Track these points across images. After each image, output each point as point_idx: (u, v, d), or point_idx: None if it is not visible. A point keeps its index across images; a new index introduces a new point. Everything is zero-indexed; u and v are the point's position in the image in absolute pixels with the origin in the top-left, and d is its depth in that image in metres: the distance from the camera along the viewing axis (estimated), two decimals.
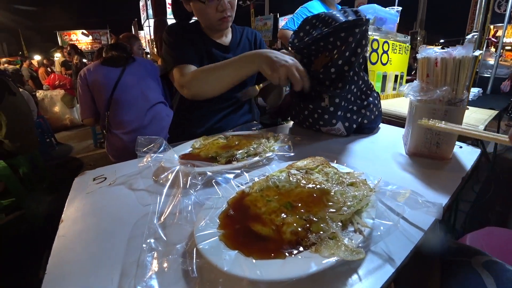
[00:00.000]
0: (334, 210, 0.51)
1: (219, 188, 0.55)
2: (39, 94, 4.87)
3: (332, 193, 0.56)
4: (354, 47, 0.89)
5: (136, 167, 0.75)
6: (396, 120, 1.51)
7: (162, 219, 0.49)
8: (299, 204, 0.52)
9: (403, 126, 0.97)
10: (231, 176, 0.62)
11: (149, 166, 0.72)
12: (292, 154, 0.81)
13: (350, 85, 0.94)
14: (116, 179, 0.77)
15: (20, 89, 2.73)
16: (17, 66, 5.75)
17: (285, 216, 0.49)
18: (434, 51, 0.76)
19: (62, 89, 5.08)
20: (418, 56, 0.81)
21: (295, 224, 0.47)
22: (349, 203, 0.52)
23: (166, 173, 0.59)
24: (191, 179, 0.56)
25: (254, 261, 0.39)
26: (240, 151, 0.77)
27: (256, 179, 0.63)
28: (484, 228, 0.99)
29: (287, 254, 0.41)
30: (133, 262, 0.44)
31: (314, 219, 0.49)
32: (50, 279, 0.44)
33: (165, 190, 0.53)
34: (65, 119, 5.14)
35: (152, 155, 0.74)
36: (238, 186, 0.59)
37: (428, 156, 0.81)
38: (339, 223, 0.48)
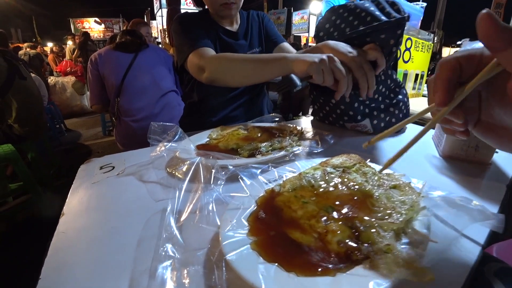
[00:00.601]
0: (383, 217, 0.42)
1: (246, 185, 0.47)
2: (51, 80, 4.86)
3: (376, 197, 0.47)
4: (391, 47, 0.80)
5: (148, 156, 0.67)
6: (417, 121, 1.40)
7: (181, 220, 0.40)
8: (343, 209, 0.44)
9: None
10: (257, 171, 0.53)
11: (163, 156, 0.64)
12: (321, 149, 0.72)
13: (378, 85, 0.86)
14: (125, 169, 0.69)
15: (32, 75, 2.69)
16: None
17: (327, 222, 0.40)
18: (479, 46, 0.66)
19: (73, 76, 5.06)
20: (461, 50, 0.71)
21: (340, 233, 0.39)
22: (399, 209, 0.44)
23: (184, 165, 0.51)
24: (214, 173, 0.48)
25: (296, 278, 0.31)
26: (264, 144, 0.68)
27: (285, 176, 0.54)
28: None
29: (335, 270, 0.33)
30: (145, 271, 0.36)
31: (361, 227, 0.40)
32: (45, 286, 0.36)
33: (184, 185, 0.45)
34: (75, 106, 5.13)
35: (166, 144, 0.66)
36: (266, 184, 0.51)
37: (465, 160, 0.71)
38: (390, 232, 0.40)
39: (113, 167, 0.72)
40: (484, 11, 0.26)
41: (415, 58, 1.84)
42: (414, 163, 0.68)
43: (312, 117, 1.13)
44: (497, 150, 0.78)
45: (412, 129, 0.98)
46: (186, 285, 0.31)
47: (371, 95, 0.74)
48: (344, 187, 0.51)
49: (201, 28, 1.02)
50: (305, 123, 1.08)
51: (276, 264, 0.33)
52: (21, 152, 2.23)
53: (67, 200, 0.59)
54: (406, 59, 1.78)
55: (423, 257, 0.35)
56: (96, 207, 0.55)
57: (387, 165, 0.41)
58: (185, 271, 0.33)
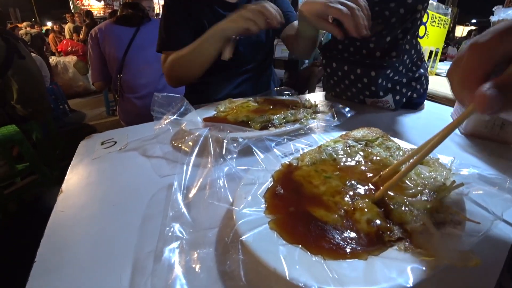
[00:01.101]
0: (415, 194, 0.38)
1: (260, 159, 0.42)
2: (52, 60, 4.76)
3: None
4: (417, 13, 0.73)
5: (152, 130, 0.62)
6: (431, 99, 1.33)
7: (190, 196, 0.36)
8: (368, 185, 0.39)
9: None
10: (271, 144, 0.48)
11: (168, 129, 0.59)
12: (337, 123, 0.66)
13: (403, 55, 0.78)
14: (128, 143, 0.65)
15: (33, 54, 2.63)
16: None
17: (353, 199, 0.36)
18: None
19: (74, 55, 4.96)
20: (493, 18, 0.63)
21: (369, 211, 0.34)
22: (430, 186, 0.39)
23: (191, 138, 0.46)
24: (225, 145, 0.43)
25: (324, 262, 0.27)
26: (276, 116, 0.63)
27: (302, 149, 0.49)
28: None
29: (367, 253, 0.29)
30: (150, 253, 0.32)
31: (391, 205, 0.36)
32: (40, 269, 0.32)
33: (192, 158, 0.40)
34: (77, 86, 5.05)
35: (170, 116, 0.61)
36: (282, 157, 0.45)
37: (488, 138, 0.65)
38: (424, 211, 0.35)
39: (115, 142, 0.67)
40: None
41: (430, 33, 1.71)
42: None
43: (323, 93, 1.06)
44: None
45: (431, 106, 0.91)
46: (197, 270, 0.27)
47: (364, 34, 0.66)
48: (368, 162, 0.46)
49: (182, 20, 0.96)
50: (317, 98, 1.02)
51: (300, 246, 0.28)
52: (26, 133, 2.20)
53: (66, 177, 0.55)
54: (421, 35, 1.66)
55: (462, 239, 0.31)
56: (96, 184, 0.51)
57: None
58: (195, 254, 0.29)
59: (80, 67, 4.94)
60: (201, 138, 0.44)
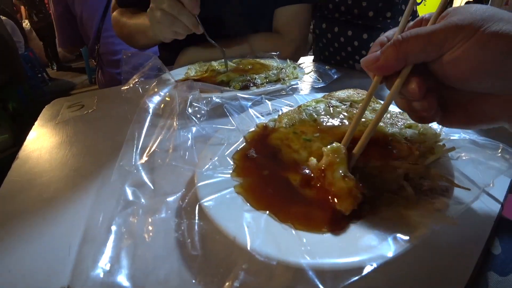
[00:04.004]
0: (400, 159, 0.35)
1: (233, 118, 0.38)
2: (26, 25, 4.42)
3: (390, 136, 0.39)
4: None
5: (121, 92, 0.56)
6: None
7: (144, 157, 0.32)
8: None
9: None
10: (248, 103, 0.44)
11: (137, 91, 0.54)
12: (323, 84, 0.62)
13: (399, 16, 0.72)
14: (96, 106, 0.59)
15: (3, 18, 2.42)
16: None
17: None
18: None
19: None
20: None
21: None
22: (418, 150, 0.35)
23: (156, 96, 0.41)
24: (191, 101, 0.38)
25: (294, 231, 0.23)
26: (258, 75, 0.57)
27: (282, 110, 0.45)
28: None
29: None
30: (103, 220, 0.28)
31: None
32: None
33: (149, 116, 0.35)
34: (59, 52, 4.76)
35: (141, 77, 0.55)
36: (258, 118, 0.41)
37: None
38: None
39: (83, 106, 0.62)
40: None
41: (428, 0, 1.63)
42: None
43: (312, 57, 1.00)
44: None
45: None
46: (147, 239, 0.23)
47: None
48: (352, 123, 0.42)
49: None
50: (304, 60, 0.95)
51: (268, 212, 0.25)
52: (2, 102, 2.08)
53: (24, 142, 0.50)
54: (418, 1, 1.57)
55: (448, 206, 0.28)
56: (57, 149, 0.46)
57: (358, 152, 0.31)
58: (149, 220, 0.25)
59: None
60: (163, 95, 0.39)
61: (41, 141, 0.50)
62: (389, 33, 0.30)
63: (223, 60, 0.68)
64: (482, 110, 0.25)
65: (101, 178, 0.36)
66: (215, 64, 0.68)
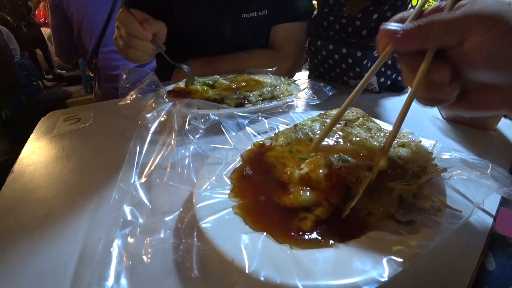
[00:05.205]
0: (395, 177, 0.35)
1: (230, 136, 0.38)
2: None
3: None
4: None
5: (118, 107, 0.57)
6: None
7: (144, 176, 0.32)
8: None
9: None
10: (244, 121, 0.44)
11: (134, 106, 0.54)
12: (318, 101, 0.63)
13: None
14: (93, 120, 0.60)
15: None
16: None
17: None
18: None
19: (48, 28, 4.63)
20: None
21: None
22: (411, 170, 0.36)
23: (154, 112, 0.42)
24: (190, 120, 0.39)
25: (290, 251, 0.24)
26: (252, 93, 0.58)
27: (278, 128, 0.46)
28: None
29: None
30: (99, 239, 0.28)
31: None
32: None
33: (149, 135, 0.36)
34: (54, 61, 4.74)
35: (139, 92, 0.56)
36: (255, 136, 0.42)
37: (468, 124, 0.64)
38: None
39: (79, 119, 0.62)
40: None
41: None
42: (417, 124, 0.60)
43: (306, 73, 1.02)
44: (504, 116, 0.70)
45: None
46: (145, 261, 0.24)
47: None
48: (347, 142, 0.43)
49: None
50: (300, 77, 0.97)
51: (265, 233, 0.25)
52: None
53: (19, 156, 0.50)
54: (414, 3, 1.61)
55: (440, 226, 0.29)
56: (53, 163, 0.46)
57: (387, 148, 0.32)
58: (148, 241, 0.25)
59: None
60: (162, 113, 0.39)
61: (37, 155, 0.49)
62: (404, 14, 0.30)
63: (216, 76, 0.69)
64: (484, 99, 0.26)
65: (98, 195, 0.36)
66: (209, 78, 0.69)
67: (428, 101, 0.29)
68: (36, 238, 0.31)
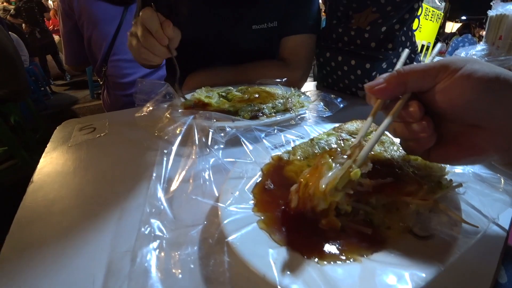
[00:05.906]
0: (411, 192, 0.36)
1: (249, 150, 0.39)
2: None
3: (398, 169, 0.40)
4: (413, 2, 0.71)
5: (133, 117, 0.58)
6: None
7: (171, 190, 0.33)
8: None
9: None
10: (261, 134, 0.45)
11: (150, 117, 0.56)
12: (329, 114, 0.64)
13: (400, 47, 0.77)
14: (108, 130, 0.61)
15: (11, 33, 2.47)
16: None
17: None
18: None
19: (57, 35, 4.71)
20: (491, 12, 0.62)
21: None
22: (426, 184, 0.37)
23: (175, 125, 0.43)
24: (211, 133, 0.40)
25: (318, 266, 0.24)
26: (265, 105, 0.59)
27: (293, 141, 0.47)
28: None
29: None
30: (126, 252, 0.29)
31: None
32: (3, 269, 0.29)
33: (174, 147, 0.37)
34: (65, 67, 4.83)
35: (155, 103, 0.57)
36: (272, 149, 0.43)
37: None
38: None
39: (94, 128, 0.63)
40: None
41: (423, 27, 1.71)
42: None
43: (314, 83, 1.03)
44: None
45: None
46: (177, 275, 0.24)
47: None
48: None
49: None
50: (308, 88, 0.98)
51: (291, 247, 0.26)
52: (4, 115, 2.09)
53: (38, 165, 0.51)
54: (414, 28, 1.65)
55: (457, 240, 0.29)
56: (71, 173, 0.47)
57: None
58: (176, 256, 0.26)
59: (62, 47, 4.70)
60: (185, 126, 0.40)
61: (55, 165, 0.50)
62: None
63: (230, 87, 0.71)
64: (472, 142, 0.28)
65: (120, 207, 0.37)
66: (221, 89, 0.71)
67: (411, 146, 0.32)
68: (60, 251, 0.32)
